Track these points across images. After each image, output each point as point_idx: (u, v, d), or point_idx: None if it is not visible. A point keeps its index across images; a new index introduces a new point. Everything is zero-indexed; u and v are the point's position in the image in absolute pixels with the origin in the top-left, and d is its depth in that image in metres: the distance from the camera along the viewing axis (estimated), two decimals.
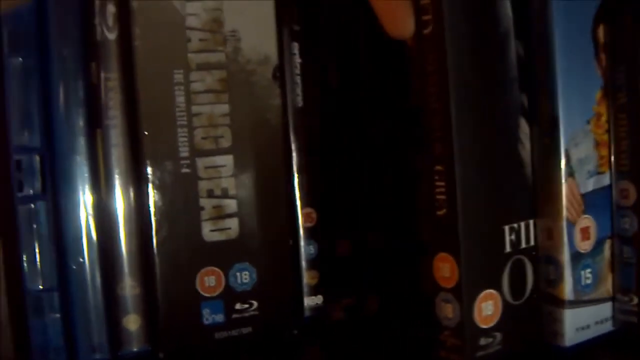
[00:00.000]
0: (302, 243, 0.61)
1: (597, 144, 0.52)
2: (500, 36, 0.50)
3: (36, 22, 0.52)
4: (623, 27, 0.51)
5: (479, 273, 0.49)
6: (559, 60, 0.49)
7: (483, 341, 0.49)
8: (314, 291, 0.61)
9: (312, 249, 0.61)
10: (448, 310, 0.49)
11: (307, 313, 0.61)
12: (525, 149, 0.51)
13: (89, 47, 0.53)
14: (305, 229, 0.61)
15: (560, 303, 0.51)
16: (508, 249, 0.50)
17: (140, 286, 0.55)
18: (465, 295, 0.48)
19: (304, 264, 0.61)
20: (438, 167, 0.49)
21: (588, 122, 0.51)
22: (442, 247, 0.49)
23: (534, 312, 0.52)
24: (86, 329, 0.54)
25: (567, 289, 0.51)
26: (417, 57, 0.49)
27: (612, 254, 0.53)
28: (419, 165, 0.63)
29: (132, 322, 0.55)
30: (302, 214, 0.61)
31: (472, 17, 0.48)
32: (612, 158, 0.52)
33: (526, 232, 0.51)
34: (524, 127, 0.51)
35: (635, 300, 0.52)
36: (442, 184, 0.48)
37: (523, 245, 0.51)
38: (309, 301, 0.61)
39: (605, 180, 0.53)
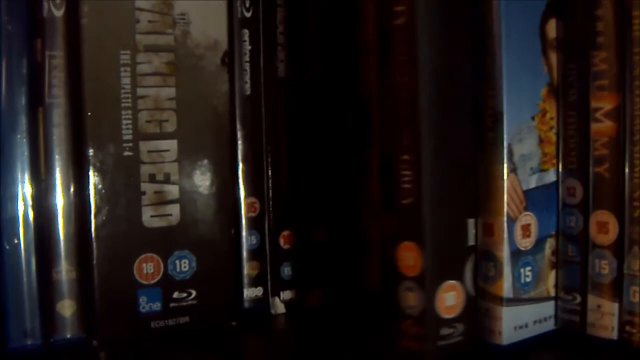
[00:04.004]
0: (244, 233, 0.59)
1: (542, 141, 0.51)
2: (467, 36, 0.50)
3: None
4: (574, 26, 0.51)
5: (443, 263, 0.49)
6: (505, 55, 0.49)
7: (445, 331, 0.49)
8: (254, 282, 0.60)
9: (254, 240, 0.60)
10: (411, 299, 0.49)
11: (246, 304, 0.60)
12: None
13: (34, 24, 0.52)
14: (247, 218, 0.60)
15: (499, 300, 0.50)
16: (471, 242, 0.50)
17: (76, 271, 0.53)
18: (428, 284, 0.48)
19: (245, 254, 0.60)
20: (405, 157, 0.48)
21: (533, 118, 0.51)
22: (407, 236, 0.49)
23: None
24: (18, 313, 0.52)
25: (506, 286, 0.50)
26: (384, 47, 0.50)
27: (554, 252, 0.53)
28: (366, 159, 0.63)
29: (66, 308, 0.53)
30: (245, 203, 0.60)
31: (443, 15, 0.48)
32: (560, 155, 0.52)
33: None
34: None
35: (578, 299, 0.52)
36: (409, 172, 0.48)
37: None
38: (249, 292, 0.60)
39: (549, 177, 0.52)
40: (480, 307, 0.51)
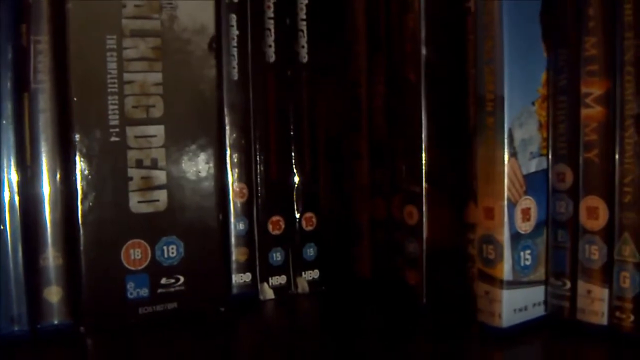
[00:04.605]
0: (232, 219, 0.59)
1: (541, 126, 0.51)
2: None
3: None
4: (565, 10, 0.50)
5: None
6: (506, 40, 0.49)
7: None
8: (243, 268, 0.60)
9: (242, 225, 0.59)
10: None
11: (235, 290, 0.59)
12: None
13: (20, 9, 0.51)
14: (236, 204, 0.59)
15: (499, 283, 0.50)
16: None
17: (63, 257, 0.53)
18: None
19: (233, 240, 0.59)
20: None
21: (533, 103, 0.51)
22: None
23: None
24: (5, 300, 0.52)
25: (506, 269, 0.50)
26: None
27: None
28: (355, 143, 0.63)
29: (53, 294, 0.53)
30: (233, 189, 0.59)
31: None
32: (550, 141, 0.51)
33: None
34: None
35: (568, 285, 0.51)
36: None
37: None
38: (238, 278, 0.60)
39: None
40: (480, 289, 0.52)
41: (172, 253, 0.54)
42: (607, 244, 0.49)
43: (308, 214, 0.62)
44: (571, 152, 0.51)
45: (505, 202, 0.49)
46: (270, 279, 0.61)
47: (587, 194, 0.50)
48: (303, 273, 0.62)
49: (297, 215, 0.62)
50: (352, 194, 0.65)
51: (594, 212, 0.50)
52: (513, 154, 0.50)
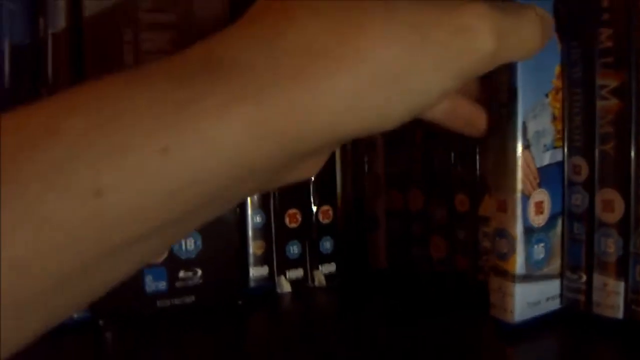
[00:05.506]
0: (249, 212, 0.59)
1: (555, 118, 0.51)
2: None
3: None
4: (580, 2, 0.50)
5: None
6: None
7: None
8: (260, 261, 0.60)
9: (259, 218, 0.60)
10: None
11: (252, 283, 0.60)
12: None
13: (36, 3, 0.52)
14: (253, 197, 0.59)
15: (511, 277, 0.50)
16: None
17: None
18: None
19: (250, 233, 0.59)
20: None
21: (547, 95, 0.50)
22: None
23: None
24: None
25: (519, 263, 0.50)
26: None
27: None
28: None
29: None
30: None
31: None
32: (566, 133, 0.51)
33: None
34: None
35: (584, 278, 0.51)
36: None
37: None
38: (255, 271, 0.60)
39: (561, 155, 0.52)
40: (493, 283, 0.51)
41: (190, 246, 0.54)
42: (622, 237, 0.49)
43: (325, 207, 0.62)
44: (587, 144, 0.50)
45: (519, 195, 0.49)
46: (287, 272, 0.61)
47: (602, 186, 0.50)
48: (320, 266, 0.63)
49: (314, 208, 0.62)
50: (368, 186, 0.65)
51: (609, 205, 0.50)
52: (527, 146, 0.49)
